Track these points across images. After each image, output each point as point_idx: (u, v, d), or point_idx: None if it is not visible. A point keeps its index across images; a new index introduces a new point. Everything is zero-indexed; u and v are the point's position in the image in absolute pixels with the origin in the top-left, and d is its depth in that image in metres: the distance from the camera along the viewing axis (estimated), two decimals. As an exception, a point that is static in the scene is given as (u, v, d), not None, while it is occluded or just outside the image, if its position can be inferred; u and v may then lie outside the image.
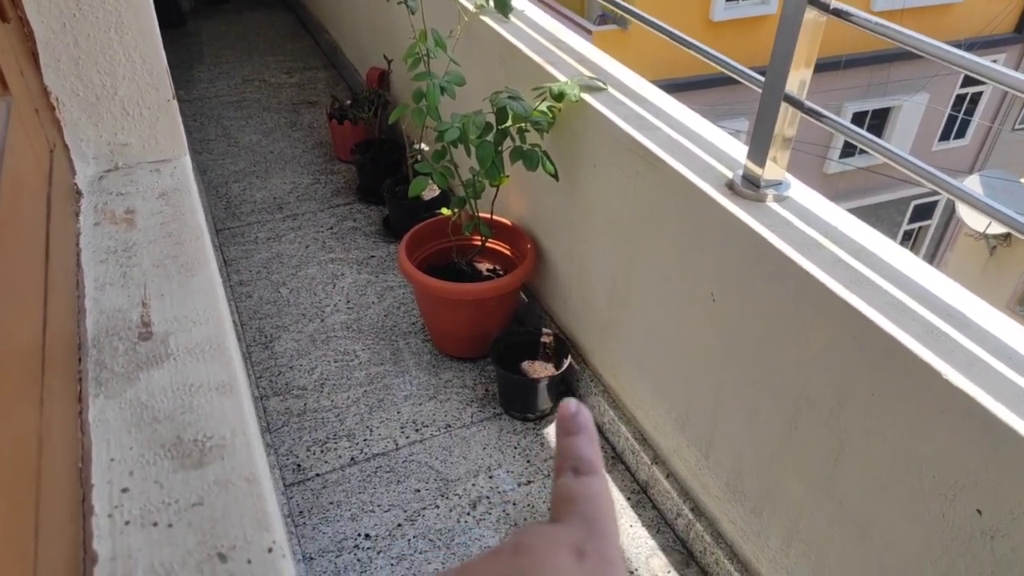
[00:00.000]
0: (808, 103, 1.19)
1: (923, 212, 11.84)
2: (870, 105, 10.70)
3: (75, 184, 0.80)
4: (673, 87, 1.66)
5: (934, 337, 0.95)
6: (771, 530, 1.31)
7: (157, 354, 0.60)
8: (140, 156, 0.83)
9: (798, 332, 1.15)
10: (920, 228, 12.07)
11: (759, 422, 1.29)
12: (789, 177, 1.28)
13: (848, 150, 10.72)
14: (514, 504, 1.68)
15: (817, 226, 1.19)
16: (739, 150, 1.40)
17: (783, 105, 1.19)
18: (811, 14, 1.12)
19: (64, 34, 0.75)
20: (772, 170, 1.24)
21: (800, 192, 1.27)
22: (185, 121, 3.36)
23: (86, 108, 0.80)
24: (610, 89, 1.63)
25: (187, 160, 0.85)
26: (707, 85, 9.12)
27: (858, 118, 10.77)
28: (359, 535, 1.62)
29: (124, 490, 0.51)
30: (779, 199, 1.25)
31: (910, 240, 12.07)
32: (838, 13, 1.10)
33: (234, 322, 2.17)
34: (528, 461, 1.78)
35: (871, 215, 11.08)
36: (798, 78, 1.18)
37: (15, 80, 0.63)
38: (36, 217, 0.58)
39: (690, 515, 1.53)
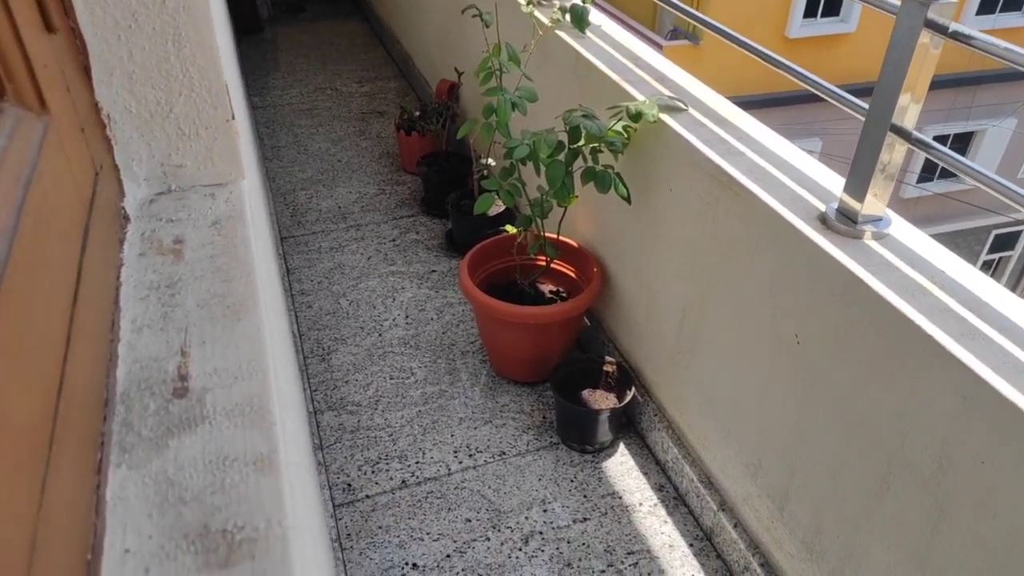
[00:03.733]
0: (916, 133, 1.08)
1: (1004, 242, 11.27)
2: (952, 129, 10.24)
3: (123, 208, 0.75)
4: (742, 105, 1.56)
5: (1064, 406, 0.84)
6: (853, 599, 1.20)
7: (191, 416, 0.53)
8: (195, 179, 0.78)
9: (896, 386, 1.04)
10: (1000, 259, 11.50)
11: (845, 478, 1.18)
12: (890, 213, 1.17)
13: (926, 175, 10.27)
14: (568, 542, 1.59)
15: (922, 269, 1.08)
16: (833, 181, 1.29)
17: (888, 135, 1.09)
18: (926, 38, 1.02)
19: (118, 46, 0.69)
20: (872, 205, 1.14)
21: (902, 230, 1.16)
22: (257, 128, 3.40)
23: (139, 126, 0.74)
24: (690, 110, 1.55)
25: (244, 184, 0.79)
26: (777, 104, 8.86)
27: (939, 142, 10.30)
28: (406, 564, 1.56)
29: (136, 593, 0.44)
30: (878, 237, 1.14)
31: (989, 270, 11.49)
32: (957, 36, 1.00)
33: (292, 333, 2.14)
34: (585, 496, 1.70)
35: (948, 243, 10.53)
36: (907, 107, 1.08)
37: (58, 98, 0.58)
38: (67, 253, 0.52)
39: (759, 571, 1.42)
